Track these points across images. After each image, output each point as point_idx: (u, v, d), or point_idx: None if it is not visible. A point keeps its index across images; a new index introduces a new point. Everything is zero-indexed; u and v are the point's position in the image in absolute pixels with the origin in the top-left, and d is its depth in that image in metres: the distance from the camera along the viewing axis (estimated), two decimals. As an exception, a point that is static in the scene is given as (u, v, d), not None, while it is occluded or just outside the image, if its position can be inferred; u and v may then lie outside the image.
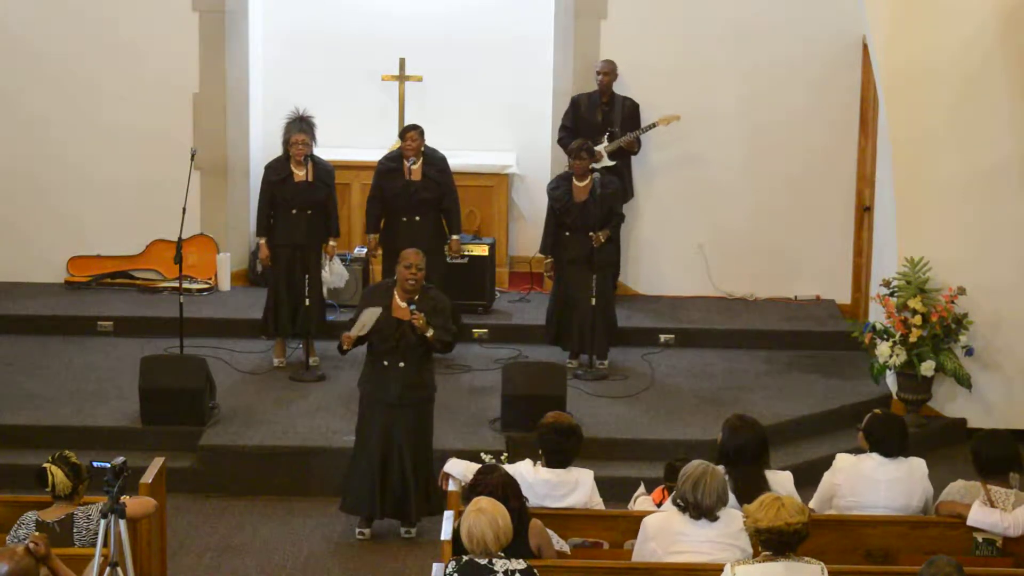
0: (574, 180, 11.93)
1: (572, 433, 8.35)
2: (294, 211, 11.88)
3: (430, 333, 9.63)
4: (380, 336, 9.66)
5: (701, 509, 7.44)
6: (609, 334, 12.18)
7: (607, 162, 12.75)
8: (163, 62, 13.51)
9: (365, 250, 12.82)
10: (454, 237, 12.39)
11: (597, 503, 8.36)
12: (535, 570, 6.78)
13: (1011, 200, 11.48)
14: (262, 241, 12.05)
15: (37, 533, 7.31)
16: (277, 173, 11.92)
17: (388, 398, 9.73)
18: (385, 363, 9.71)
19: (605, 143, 12.86)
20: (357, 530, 9.99)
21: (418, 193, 12.02)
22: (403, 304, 9.66)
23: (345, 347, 9.73)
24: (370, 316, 9.58)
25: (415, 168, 12.03)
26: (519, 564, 6.70)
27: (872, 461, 8.34)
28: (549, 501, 8.21)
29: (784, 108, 13.41)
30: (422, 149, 12.04)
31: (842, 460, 8.46)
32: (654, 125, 13.03)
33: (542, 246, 12.21)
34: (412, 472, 9.78)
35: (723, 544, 7.43)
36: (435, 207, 12.14)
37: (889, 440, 8.33)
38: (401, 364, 9.69)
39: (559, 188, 11.99)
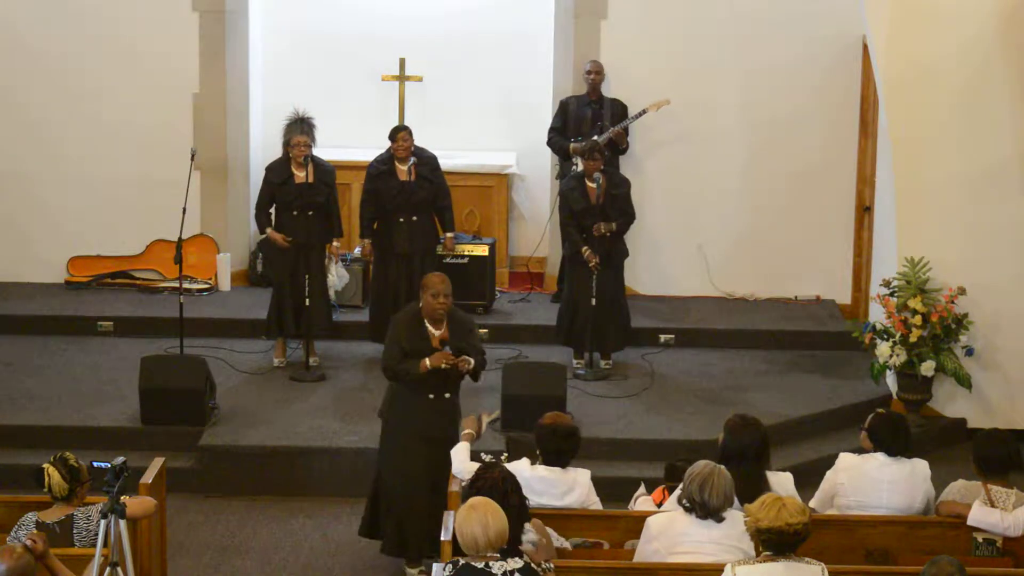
0: (586, 181, 11.88)
1: (571, 435, 8.33)
2: (295, 213, 11.88)
3: (471, 366, 9.19)
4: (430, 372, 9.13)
5: (708, 509, 7.43)
6: (625, 330, 12.20)
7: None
8: (163, 62, 13.51)
9: (359, 251, 12.76)
10: (448, 235, 12.42)
11: (595, 502, 8.35)
12: (532, 565, 6.77)
13: (1011, 200, 11.48)
14: (269, 230, 11.97)
15: (36, 531, 7.31)
16: (278, 175, 11.91)
17: (437, 433, 9.14)
18: (431, 396, 9.19)
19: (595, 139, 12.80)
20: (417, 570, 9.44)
21: (415, 193, 12.03)
22: (436, 332, 9.21)
23: (415, 377, 9.11)
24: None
25: (409, 168, 12.03)
26: (516, 563, 6.69)
27: (876, 461, 8.34)
28: (546, 499, 8.20)
29: (784, 108, 13.41)
30: (412, 149, 12.06)
31: (846, 459, 8.45)
32: (644, 111, 13.00)
33: (572, 247, 11.94)
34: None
35: (726, 546, 7.42)
36: (430, 206, 12.15)
37: (894, 440, 8.32)
38: (447, 395, 9.24)
39: (576, 190, 11.93)
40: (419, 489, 9.26)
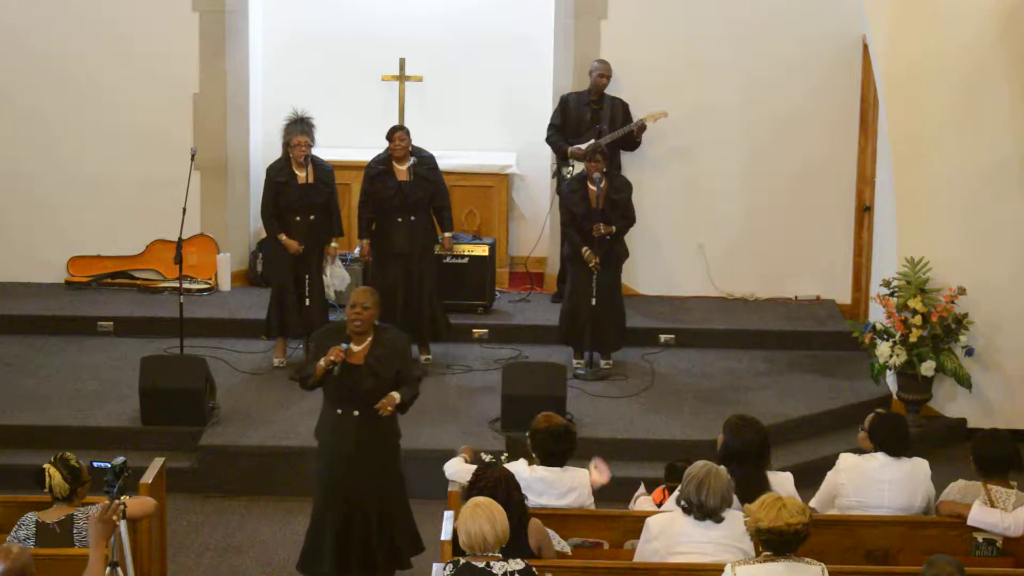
0: (588, 184, 11.85)
1: (565, 435, 8.32)
2: (297, 218, 11.86)
3: (398, 399, 8.71)
4: (332, 383, 8.76)
5: (705, 510, 7.42)
6: (621, 330, 12.19)
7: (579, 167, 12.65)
8: (163, 62, 13.51)
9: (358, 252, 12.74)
10: (446, 235, 12.40)
11: (590, 503, 8.35)
12: (534, 569, 6.77)
13: (1011, 200, 11.49)
14: (283, 237, 11.94)
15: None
16: (281, 175, 11.91)
17: (345, 450, 8.81)
18: (339, 411, 8.80)
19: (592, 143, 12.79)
20: None
21: (413, 193, 12.01)
22: (356, 348, 8.76)
23: (314, 380, 8.79)
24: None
25: (406, 169, 12.02)
26: (518, 564, 6.69)
27: (876, 461, 8.35)
28: (546, 499, 8.20)
29: (784, 108, 13.41)
30: (409, 149, 12.05)
31: (846, 459, 8.46)
32: (642, 122, 12.97)
33: (572, 249, 11.92)
34: (377, 529, 8.92)
35: (726, 546, 7.42)
36: (428, 206, 12.14)
37: (894, 440, 8.34)
38: (355, 413, 8.75)
39: (576, 192, 11.89)
40: (334, 509, 8.94)
